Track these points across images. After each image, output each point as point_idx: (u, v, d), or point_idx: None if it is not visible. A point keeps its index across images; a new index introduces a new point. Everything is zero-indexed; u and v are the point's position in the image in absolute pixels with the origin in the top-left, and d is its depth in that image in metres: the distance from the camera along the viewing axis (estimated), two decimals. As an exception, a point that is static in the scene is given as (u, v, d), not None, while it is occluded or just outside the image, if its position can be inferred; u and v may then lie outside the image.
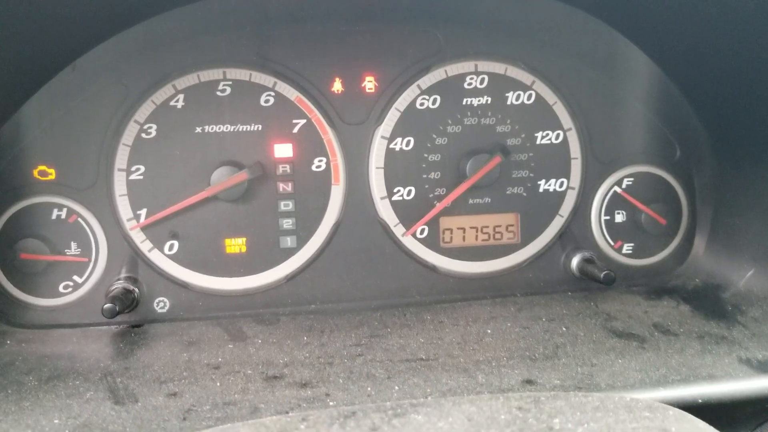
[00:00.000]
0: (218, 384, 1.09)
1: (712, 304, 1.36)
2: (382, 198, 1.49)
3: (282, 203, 1.47)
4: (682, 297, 1.42)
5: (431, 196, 1.49)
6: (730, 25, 1.16)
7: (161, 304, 1.45)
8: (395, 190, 1.49)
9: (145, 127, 1.41)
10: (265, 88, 1.44)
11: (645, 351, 1.15)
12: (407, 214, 1.49)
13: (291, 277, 1.48)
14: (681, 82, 1.43)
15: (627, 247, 1.55)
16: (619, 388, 1.01)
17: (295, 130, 1.46)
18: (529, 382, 1.05)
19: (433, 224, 1.51)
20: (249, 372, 1.13)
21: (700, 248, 1.54)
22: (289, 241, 1.48)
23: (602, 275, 1.41)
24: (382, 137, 1.48)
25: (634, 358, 1.12)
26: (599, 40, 1.46)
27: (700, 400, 0.99)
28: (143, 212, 1.43)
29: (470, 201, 1.50)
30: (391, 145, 1.48)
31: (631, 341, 1.20)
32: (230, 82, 1.43)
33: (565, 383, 1.04)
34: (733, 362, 1.10)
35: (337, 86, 1.47)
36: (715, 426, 0.75)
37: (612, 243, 1.54)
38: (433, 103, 1.48)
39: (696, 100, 1.43)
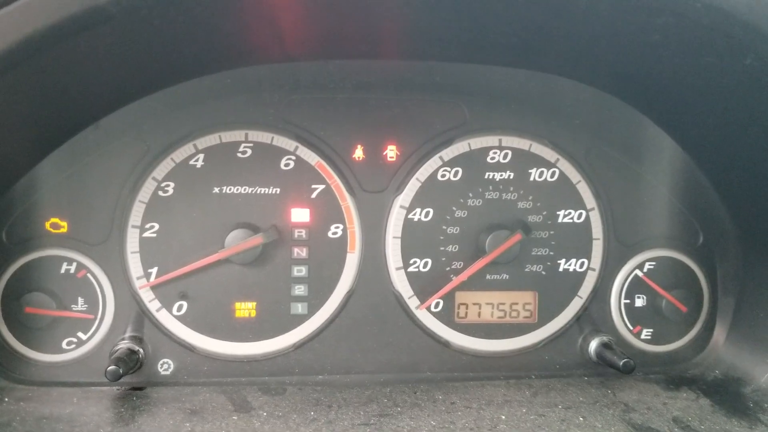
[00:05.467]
0: (221, 463, 1.05)
1: (732, 399, 1.31)
2: (397, 268, 1.46)
3: (295, 269, 1.44)
4: (701, 389, 1.37)
5: (448, 269, 1.47)
6: (763, 118, 1.15)
7: (165, 366, 1.41)
8: (411, 261, 1.47)
9: (163, 184, 1.40)
10: (286, 152, 1.43)
11: (666, 450, 1.11)
12: (422, 286, 1.46)
13: (300, 345, 1.45)
14: (709, 170, 1.41)
15: (646, 333, 1.51)
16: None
17: (314, 196, 1.44)
18: (546, 481, 1.00)
19: (448, 298, 1.47)
20: (253, 450, 1.09)
21: (720, 338, 1.50)
22: (300, 308, 1.45)
23: (621, 363, 1.36)
24: (401, 207, 1.46)
25: (655, 457, 1.08)
26: (626, 124, 1.45)
27: None
28: (154, 271, 1.40)
29: (487, 277, 1.48)
30: (410, 216, 1.46)
31: (651, 437, 1.16)
32: (251, 144, 1.42)
33: (585, 484, 1.00)
34: (759, 469, 1.05)
35: (359, 153, 1.46)
36: None
37: (631, 327, 1.51)
38: (455, 175, 1.47)
39: (723, 189, 1.41)
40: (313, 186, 1.44)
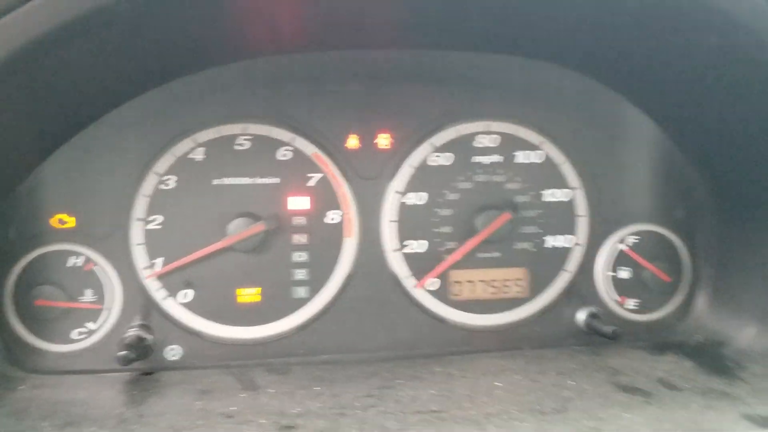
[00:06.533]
0: (233, 433, 1.10)
1: (714, 360, 1.38)
2: (394, 250, 1.52)
3: (296, 254, 1.50)
4: (685, 353, 1.44)
5: (442, 249, 1.53)
6: (733, 92, 1.23)
7: (173, 352, 1.46)
8: (407, 243, 1.53)
9: (165, 178, 1.45)
10: (283, 143, 1.49)
11: (650, 405, 1.17)
12: (418, 266, 1.53)
13: (303, 327, 1.51)
14: (684, 145, 1.49)
15: (631, 303, 1.58)
16: (628, 442, 1.04)
17: (311, 184, 1.50)
18: (540, 435, 1.07)
19: (443, 277, 1.54)
20: (263, 422, 1.14)
21: (702, 305, 1.57)
22: (301, 292, 1.50)
23: (609, 331, 1.44)
24: (396, 192, 1.52)
25: (640, 413, 1.14)
26: (605, 105, 1.53)
27: None
28: (159, 261, 1.46)
29: (480, 255, 1.54)
30: (405, 200, 1.52)
31: (637, 396, 1.22)
32: (250, 137, 1.48)
33: (576, 436, 1.06)
34: (736, 418, 1.12)
35: (354, 142, 1.52)
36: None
37: (617, 298, 1.58)
38: (446, 160, 1.53)
39: (699, 164, 1.49)
40: (311, 175, 1.50)
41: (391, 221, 1.52)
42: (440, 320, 1.54)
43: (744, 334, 1.42)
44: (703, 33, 1.09)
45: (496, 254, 1.55)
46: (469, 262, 1.54)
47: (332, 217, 1.51)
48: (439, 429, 1.10)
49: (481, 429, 1.09)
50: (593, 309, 1.54)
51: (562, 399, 1.21)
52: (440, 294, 1.54)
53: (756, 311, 1.42)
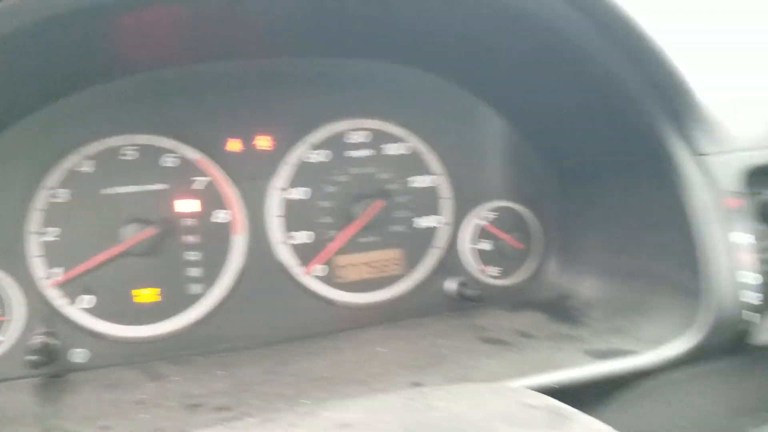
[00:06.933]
0: (145, 416, 1.20)
1: (562, 311, 1.61)
2: (281, 243, 1.65)
3: (188, 254, 1.58)
4: (539, 308, 1.66)
5: (326, 238, 1.67)
6: (555, 80, 1.45)
7: (80, 355, 1.51)
8: (293, 235, 1.65)
9: (56, 192, 1.51)
10: (167, 151, 1.57)
11: (510, 352, 1.38)
12: (305, 255, 1.66)
13: (201, 321, 1.59)
14: (524, 131, 1.73)
15: (493, 271, 1.78)
16: (490, 381, 1.22)
17: (198, 187, 1.59)
18: (416, 384, 1.24)
19: (329, 263, 1.68)
20: (171, 404, 1.24)
21: (552, 267, 1.80)
22: (197, 288, 1.59)
23: (475, 295, 1.65)
24: (279, 189, 1.64)
25: (502, 358, 1.34)
26: (457, 100, 1.73)
27: (555, 386, 1.21)
28: (59, 270, 1.51)
29: (360, 240, 1.69)
30: (287, 196, 1.65)
31: (499, 345, 1.42)
32: (135, 147, 1.55)
33: (447, 382, 1.24)
34: (579, 354, 1.33)
35: (235, 146, 1.62)
36: (567, 404, 0.92)
37: (481, 268, 1.77)
38: (323, 156, 1.67)
39: (538, 145, 1.73)
40: (197, 179, 1.59)
41: (277, 216, 1.64)
42: (329, 302, 1.67)
43: (585, 287, 1.67)
44: (519, 32, 1.29)
45: (374, 238, 1.70)
46: (350, 247, 1.68)
47: (220, 217, 1.61)
48: (330, 391, 1.24)
49: (367, 386, 1.25)
50: (461, 279, 1.72)
51: (437, 355, 1.39)
52: (327, 278, 1.67)
53: (594, 267, 1.68)
